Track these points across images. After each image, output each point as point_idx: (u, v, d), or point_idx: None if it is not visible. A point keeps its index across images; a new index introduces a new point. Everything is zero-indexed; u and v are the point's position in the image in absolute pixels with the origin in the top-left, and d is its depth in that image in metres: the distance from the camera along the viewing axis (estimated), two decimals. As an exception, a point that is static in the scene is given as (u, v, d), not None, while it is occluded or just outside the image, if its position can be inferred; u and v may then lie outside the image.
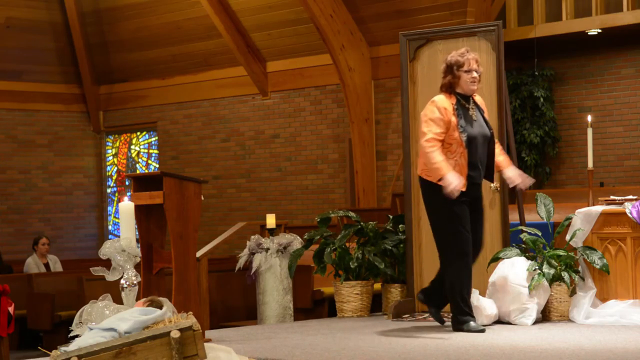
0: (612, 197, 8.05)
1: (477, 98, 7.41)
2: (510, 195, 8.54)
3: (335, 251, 8.68)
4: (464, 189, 7.13)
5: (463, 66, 7.21)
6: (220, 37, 15.51)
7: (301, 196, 15.47)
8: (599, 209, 7.88)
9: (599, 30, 12.86)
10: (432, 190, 7.20)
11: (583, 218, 7.89)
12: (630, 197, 7.96)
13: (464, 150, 7.14)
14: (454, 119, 7.15)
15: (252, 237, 9.47)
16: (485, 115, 7.38)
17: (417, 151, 8.55)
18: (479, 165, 7.24)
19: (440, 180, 7.07)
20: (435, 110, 7.17)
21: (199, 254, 9.61)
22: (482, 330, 7.14)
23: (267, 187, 15.83)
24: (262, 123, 15.91)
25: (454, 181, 7.00)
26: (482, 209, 7.42)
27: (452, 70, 7.23)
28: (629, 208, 7.69)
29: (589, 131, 8.33)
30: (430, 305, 7.56)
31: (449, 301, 7.34)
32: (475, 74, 7.24)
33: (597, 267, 7.69)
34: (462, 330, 7.17)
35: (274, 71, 15.58)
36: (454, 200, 7.09)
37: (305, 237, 8.93)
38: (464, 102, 7.27)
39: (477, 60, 7.29)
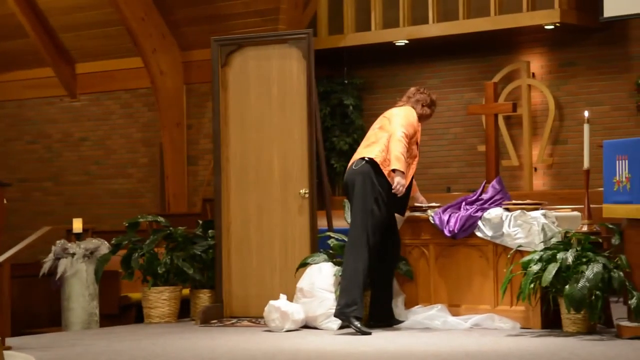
0: (416, 205, 8.27)
1: None
2: (319, 201, 8.65)
3: (143, 256, 8.59)
4: (400, 195, 7.55)
5: (435, 109, 7.97)
6: (27, 36, 15.09)
7: (110, 200, 15.23)
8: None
9: (406, 42, 13.19)
10: (378, 177, 7.50)
11: (388, 224, 8.07)
12: (434, 204, 8.20)
13: (414, 165, 7.71)
14: (418, 135, 7.74)
15: (58, 241, 9.27)
16: None
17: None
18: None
19: (393, 171, 7.44)
20: (412, 118, 7.70)
21: (1, 259, 9.32)
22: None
23: (75, 191, 15.51)
24: (70, 125, 15.58)
25: (403, 181, 7.45)
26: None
27: (432, 107, 7.92)
28: (432, 215, 7.92)
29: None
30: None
31: (353, 293, 7.39)
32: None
33: (401, 272, 7.88)
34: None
35: (84, 73, 15.28)
36: (388, 198, 7.48)
37: (113, 242, 8.80)
38: None
39: None
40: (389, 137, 7.57)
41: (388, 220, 7.64)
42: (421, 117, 7.85)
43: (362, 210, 7.48)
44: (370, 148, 7.63)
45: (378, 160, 7.51)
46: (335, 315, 7.45)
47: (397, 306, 7.85)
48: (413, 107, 7.82)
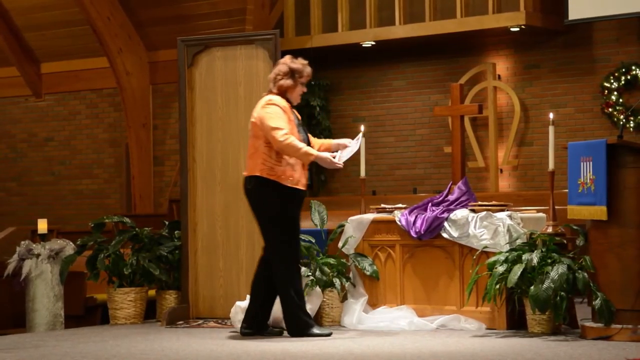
0: (382, 206, 8.29)
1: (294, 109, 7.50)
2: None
3: (109, 257, 8.55)
4: (305, 189, 7.29)
5: (303, 77, 7.33)
6: (-9, 35, 15.00)
7: (75, 201, 15.16)
8: (370, 216, 8.10)
9: (373, 43, 13.23)
10: (272, 190, 7.18)
11: (355, 225, 8.09)
12: (400, 205, 8.23)
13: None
14: (292, 119, 7.25)
15: (22, 242, 9.20)
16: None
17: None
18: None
19: (313, 160, 7.17)
20: (277, 108, 7.17)
21: (-36, 260, 9.26)
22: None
23: (39, 192, 15.42)
24: (35, 125, 15.49)
25: (326, 154, 7.21)
26: None
27: (295, 76, 7.29)
28: (398, 216, 7.95)
29: (362, 140, 8.54)
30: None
31: (287, 308, 7.22)
32: (305, 89, 7.41)
33: (368, 273, 7.90)
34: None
35: (49, 72, 15.20)
36: (292, 204, 7.22)
37: (78, 242, 8.76)
38: (292, 108, 7.35)
39: None
40: (264, 144, 7.17)
41: (298, 221, 7.39)
42: (286, 91, 7.28)
43: (268, 227, 7.27)
44: (252, 162, 7.25)
45: (264, 174, 7.18)
46: (293, 335, 7.24)
47: (358, 307, 7.85)
48: (272, 89, 7.28)
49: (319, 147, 7.54)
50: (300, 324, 7.23)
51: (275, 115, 7.15)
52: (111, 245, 8.56)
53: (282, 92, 7.30)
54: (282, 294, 7.27)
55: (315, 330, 7.22)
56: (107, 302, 8.68)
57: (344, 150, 7.48)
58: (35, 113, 15.50)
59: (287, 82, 7.28)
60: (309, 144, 7.39)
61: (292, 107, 7.38)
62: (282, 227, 7.24)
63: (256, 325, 7.39)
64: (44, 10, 14.50)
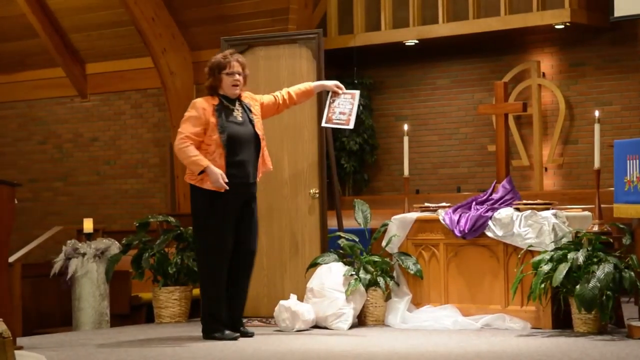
0: (426, 204, 8.27)
1: (248, 99, 7.47)
2: (329, 201, 8.66)
3: (153, 256, 8.60)
4: (230, 188, 7.17)
5: (225, 69, 7.32)
6: (37, 37, 15.12)
7: (121, 200, 15.25)
8: (413, 215, 8.08)
9: (416, 41, 13.18)
10: (197, 194, 7.24)
11: (399, 224, 8.08)
12: (444, 204, 8.20)
13: (223, 151, 7.17)
14: (213, 120, 7.23)
15: (69, 241, 9.29)
16: (253, 115, 7.39)
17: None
18: (244, 164, 7.26)
19: (201, 173, 7.12)
20: (193, 111, 7.27)
21: (11, 259, 9.35)
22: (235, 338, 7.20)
23: (85, 191, 15.53)
24: (80, 126, 15.60)
25: (217, 171, 7.09)
26: (255, 210, 7.42)
27: (215, 72, 7.33)
28: (442, 215, 7.92)
29: (405, 139, 8.53)
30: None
31: (204, 308, 7.30)
32: (237, 77, 7.34)
33: (412, 272, 7.89)
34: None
35: (94, 73, 15.30)
36: (216, 205, 7.16)
37: (123, 242, 8.82)
38: (227, 104, 7.33)
39: (242, 62, 7.39)
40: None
41: (229, 225, 7.26)
42: (217, 88, 7.32)
43: (195, 228, 7.39)
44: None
45: (187, 178, 7.28)
46: (204, 336, 7.31)
47: (402, 306, 7.84)
48: (206, 88, 7.36)
49: (296, 94, 7.65)
50: (206, 328, 7.28)
51: (186, 118, 7.27)
52: (156, 245, 8.61)
53: (214, 91, 7.35)
54: (201, 296, 7.36)
55: (217, 335, 7.19)
56: (152, 300, 8.74)
57: (336, 107, 7.71)
58: (81, 113, 15.62)
59: (208, 81, 7.36)
60: (258, 138, 7.30)
61: (235, 98, 7.34)
62: (208, 230, 7.25)
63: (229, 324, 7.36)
64: (89, 11, 14.61)
